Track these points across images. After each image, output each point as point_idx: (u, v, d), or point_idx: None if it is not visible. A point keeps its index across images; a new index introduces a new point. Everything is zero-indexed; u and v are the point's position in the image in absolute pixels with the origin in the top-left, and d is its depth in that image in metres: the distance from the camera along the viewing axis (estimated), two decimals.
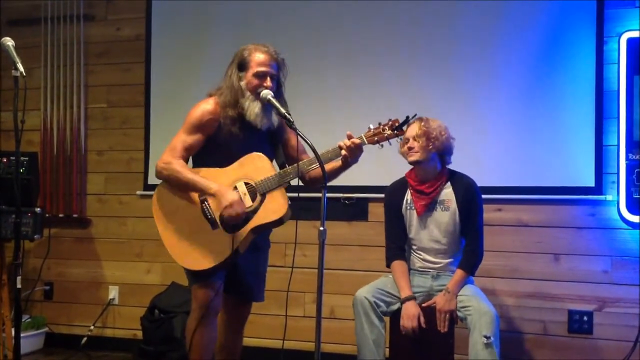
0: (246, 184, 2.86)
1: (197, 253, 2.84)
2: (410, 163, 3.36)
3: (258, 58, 2.89)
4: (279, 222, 2.87)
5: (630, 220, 3.74)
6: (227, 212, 2.78)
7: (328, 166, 2.87)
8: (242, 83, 2.90)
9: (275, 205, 2.84)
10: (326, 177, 2.63)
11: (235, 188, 2.86)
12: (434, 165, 3.36)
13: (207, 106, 2.92)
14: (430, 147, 3.29)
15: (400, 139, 2.95)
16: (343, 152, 2.84)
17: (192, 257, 2.85)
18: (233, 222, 2.80)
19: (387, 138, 2.88)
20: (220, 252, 2.82)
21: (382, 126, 2.89)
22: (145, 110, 4.69)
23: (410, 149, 3.32)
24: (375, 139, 2.87)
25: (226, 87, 2.92)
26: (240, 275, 2.99)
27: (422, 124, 3.31)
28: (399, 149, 3.40)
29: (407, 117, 2.90)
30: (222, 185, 2.84)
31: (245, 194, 2.85)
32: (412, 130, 3.33)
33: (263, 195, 2.85)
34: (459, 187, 3.37)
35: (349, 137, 2.84)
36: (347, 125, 2.93)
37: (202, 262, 2.83)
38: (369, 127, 2.89)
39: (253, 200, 2.85)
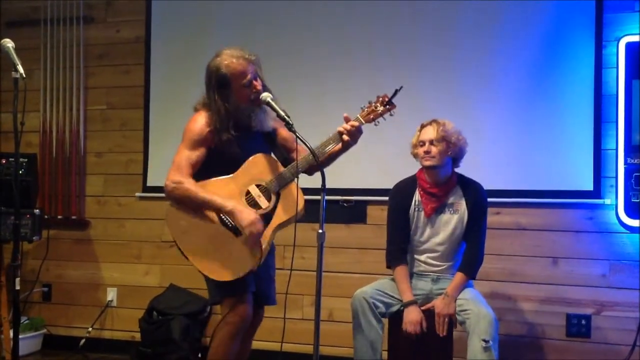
0: (258, 185, 2.87)
1: (227, 264, 2.81)
2: (425, 167, 3.35)
3: (236, 68, 2.82)
4: (298, 216, 2.88)
5: (629, 224, 3.74)
6: (246, 231, 2.76)
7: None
8: (232, 100, 2.85)
9: (291, 201, 2.85)
10: (324, 179, 2.62)
11: (248, 192, 2.86)
12: (447, 169, 3.36)
13: (203, 119, 2.87)
14: (449, 152, 3.30)
15: (392, 113, 2.96)
16: (345, 137, 2.86)
17: (224, 269, 2.81)
18: (253, 240, 2.78)
19: (381, 114, 2.92)
20: (249, 257, 2.80)
21: (373, 104, 2.93)
22: (145, 112, 4.69)
23: (427, 152, 3.29)
24: (371, 117, 2.91)
25: (214, 112, 2.86)
26: (257, 282, 2.97)
27: (440, 128, 3.29)
28: (412, 149, 3.38)
29: (396, 90, 2.92)
30: (238, 202, 2.82)
31: (259, 196, 2.85)
32: (429, 133, 3.30)
33: (277, 194, 2.86)
34: (469, 191, 3.37)
35: (347, 120, 2.88)
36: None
37: (235, 271, 2.80)
38: (362, 108, 2.93)
39: (268, 200, 2.85)
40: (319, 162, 2.71)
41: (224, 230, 2.83)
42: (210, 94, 2.88)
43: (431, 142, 3.28)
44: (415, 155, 3.38)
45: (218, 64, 2.85)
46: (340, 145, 2.91)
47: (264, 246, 2.80)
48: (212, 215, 2.84)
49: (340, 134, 2.87)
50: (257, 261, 2.81)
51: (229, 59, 2.84)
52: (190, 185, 2.82)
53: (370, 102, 2.94)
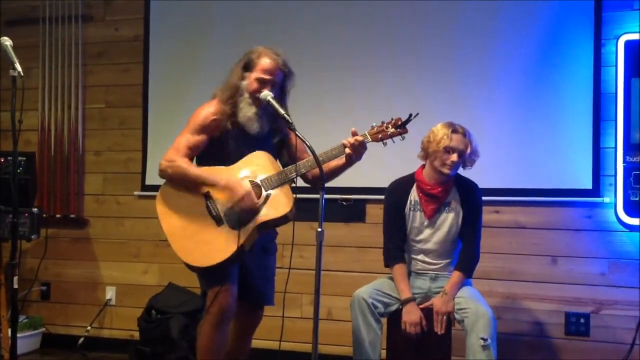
0: (251, 181, 2.87)
1: (202, 250, 2.83)
2: (442, 173, 3.28)
3: (264, 63, 2.88)
4: (284, 219, 2.87)
5: (628, 223, 3.74)
6: (242, 204, 2.78)
7: (331, 163, 2.91)
8: (244, 83, 2.90)
9: (280, 203, 2.85)
10: (324, 179, 2.63)
11: None
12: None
13: (210, 108, 2.92)
14: (470, 166, 3.33)
15: (403, 137, 2.94)
16: (347, 150, 2.86)
17: (198, 254, 2.83)
18: (247, 213, 2.79)
19: (391, 136, 2.91)
20: (225, 248, 2.80)
21: (385, 124, 2.91)
22: (143, 110, 4.69)
23: (454, 162, 3.23)
24: (379, 136, 2.90)
25: (227, 82, 2.93)
26: (251, 279, 2.99)
27: (472, 145, 3.26)
28: (432, 146, 3.24)
29: (410, 115, 2.91)
30: (231, 177, 2.84)
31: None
32: (461, 144, 3.23)
33: (268, 193, 2.86)
34: (463, 189, 3.37)
35: (353, 134, 2.86)
36: (345, 127, 2.94)
37: (208, 258, 2.81)
38: (372, 125, 2.92)
39: (258, 197, 2.85)
40: (319, 166, 2.67)
41: (207, 217, 2.84)
42: (233, 67, 2.96)
43: (460, 155, 3.25)
44: (434, 154, 3.26)
45: (256, 49, 2.94)
46: (344, 159, 2.91)
47: (241, 240, 2.80)
48: (200, 201, 2.85)
49: (344, 146, 2.86)
50: (233, 253, 2.79)
51: (267, 52, 2.92)
52: (183, 163, 2.86)
53: (382, 122, 2.92)
